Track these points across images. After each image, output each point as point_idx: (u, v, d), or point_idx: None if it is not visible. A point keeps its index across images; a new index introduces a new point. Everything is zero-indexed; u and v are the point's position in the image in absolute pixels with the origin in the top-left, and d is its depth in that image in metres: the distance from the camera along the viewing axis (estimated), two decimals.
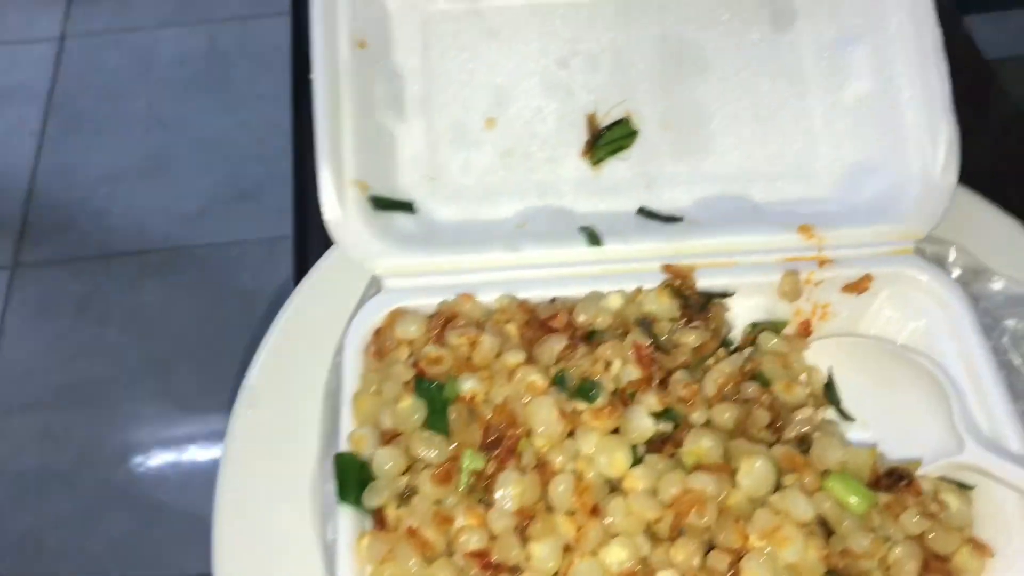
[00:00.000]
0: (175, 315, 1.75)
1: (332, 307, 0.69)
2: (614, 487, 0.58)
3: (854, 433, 0.65)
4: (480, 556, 0.55)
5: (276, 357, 0.69)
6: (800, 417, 0.63)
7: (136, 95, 2.04)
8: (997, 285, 0.69)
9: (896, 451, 0.63)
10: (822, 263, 0.67)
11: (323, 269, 0.73)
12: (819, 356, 0.67)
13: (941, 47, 0.69)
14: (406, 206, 0.70)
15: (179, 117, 2.01)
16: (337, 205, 0.67)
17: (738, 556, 0.55)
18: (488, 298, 0.66)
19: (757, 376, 0.64)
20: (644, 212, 0.72)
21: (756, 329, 0.66)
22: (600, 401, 0.58)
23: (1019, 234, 0.74)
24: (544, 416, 0.57)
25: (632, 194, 0.72)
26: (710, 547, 0.56)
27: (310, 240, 0.83)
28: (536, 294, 0.66)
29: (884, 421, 0.65)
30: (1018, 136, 0.90)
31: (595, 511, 0.56)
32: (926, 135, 0.68)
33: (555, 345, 0.60)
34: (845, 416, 0.65)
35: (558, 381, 0.59)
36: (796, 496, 0.56)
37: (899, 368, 0.64)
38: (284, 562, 0.61)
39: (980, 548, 0.58)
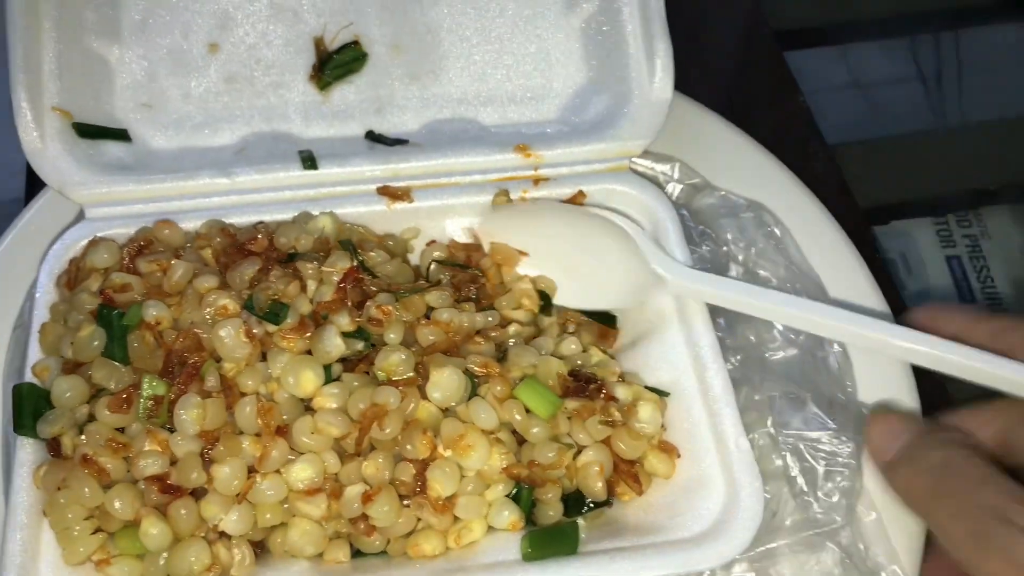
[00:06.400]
0: None
1: (46, 243, 0.66)
2: (310, 408, 0.58)
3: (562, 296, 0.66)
4: (160, 480, 0.54)
5: None
6: (512, 331, 0.63)
7: None
8: (714, 198, 0.71)
9: (606, 302, 0.66)
10: (537, 181, 0.68)
11: (42, 202, 0.70)
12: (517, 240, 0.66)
13: None
14: (119, 134, 0.68)
15: None
16: (35, 133, 0.64)
17: (426, 466, 0.56)
18: (194, 225, 0.64)
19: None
20: (372, 136, 0.71)
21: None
22: (289, 322, 0.57)
23: (744, 149, 0.75)
24: (230, 338, 0.57)
25: (362, 119, 0.72)
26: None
27: None
28: (246, 219, 0.65)
29: (589, 280, 0.66)
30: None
31: (282, 431, 0.56)
32: (643, 53, 0.69)
33: (248, 268, 0.59)
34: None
35: (249, 305, 0.58)
36: (481, 404, 0.57)
37: (592, 229, 0.66)
38: None
39: (668, 450, 0.60)
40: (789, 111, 0.87)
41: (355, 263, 0.61)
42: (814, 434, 0.57)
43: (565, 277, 0.66)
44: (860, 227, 0.74)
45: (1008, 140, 1.01)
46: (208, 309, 0.58)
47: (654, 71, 0.68)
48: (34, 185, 0.79)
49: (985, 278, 0.90)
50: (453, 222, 0.67)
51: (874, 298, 0.68)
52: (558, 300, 0.65)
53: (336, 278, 0.60)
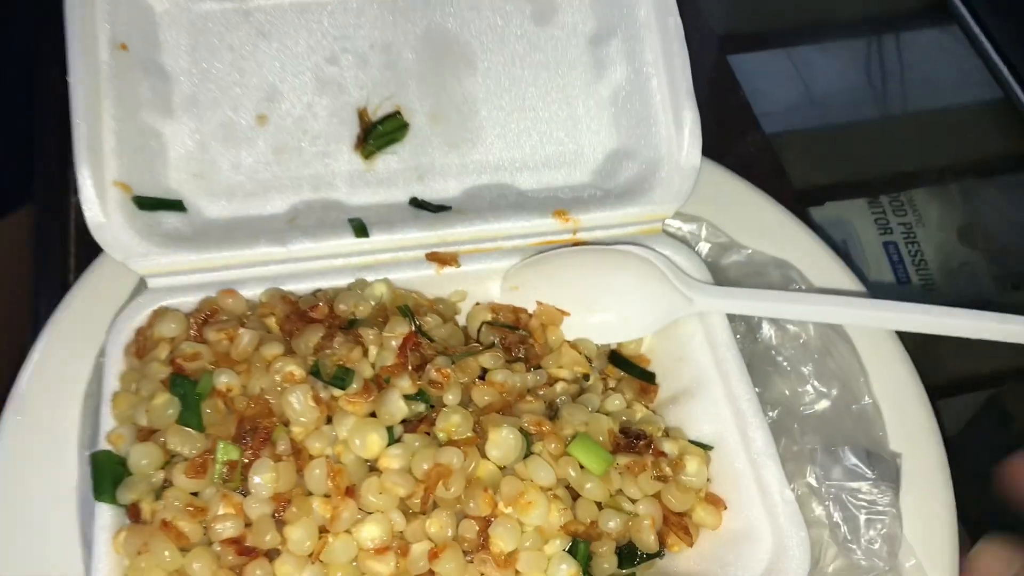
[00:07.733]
0: None
1: (104, 310, 0.69)
2: (374, 468, 0.60)
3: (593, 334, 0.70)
4: (236, 542, 0.56)
5: (46, 362, 0.69)
6: (560, 388, 0.66)
7: None
8: (741, 257, 0.75)
9: (635, 332, 0.71)
10: (576, 244, 0.71)
11: (96, 271, 0.72)
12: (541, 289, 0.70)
13: (682, 38, 0.73)
14: (175, 204, 0.71)
15: None
16: (99, 208, 0.66)
17: (488, 523, 0.58)
18: (253, 293, 0.67)
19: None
20: (415, 202, 0.74)
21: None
22: (354, 387, 0.60)
23: (766, 209, 0.79)
24: (299, 404, 0.59)
25: (404, 186, 0.75)
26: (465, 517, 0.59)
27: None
28: (303, 287, 0.68)
29: (615, 314, 0.70)
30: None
31: (350, 492, 0.58)
32: (672, 122, 0.73)
33: (312, 336, 0.62)
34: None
35: (315, 370, 0.61)
36: (539, 462, 0.60)
37: (611, 263, 0.70)
38: (52, 565, 0.61)
39: (715, 502, 0.63)
40: (731, 106, 0.98)
41: (413, 328, 0.64)
42: (854, 484, 0.61)
43: (592, 315, 0.70)
44: (795, 206, 0.81)
45: (929, 129, 1.13)
46: (276, 376, 0.60)
47: (683, 139, 0.72)
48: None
49: (920, 262, 1.00)
50: (498, 284, 0.71)
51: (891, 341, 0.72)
52: (594, 339, 0.70)
53: (396, 343, 0.63)
